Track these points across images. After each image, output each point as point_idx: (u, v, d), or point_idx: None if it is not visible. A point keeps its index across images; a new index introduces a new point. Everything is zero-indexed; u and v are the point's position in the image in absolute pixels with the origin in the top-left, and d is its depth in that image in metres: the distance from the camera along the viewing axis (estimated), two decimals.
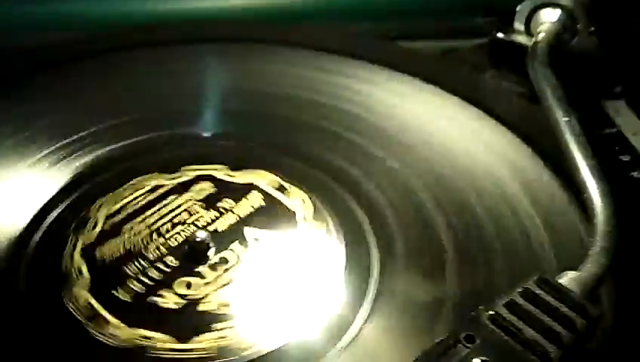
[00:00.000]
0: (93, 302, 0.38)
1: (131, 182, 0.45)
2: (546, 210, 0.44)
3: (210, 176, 0.46)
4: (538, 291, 0.35)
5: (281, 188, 0.45)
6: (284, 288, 0.40)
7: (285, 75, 0.55)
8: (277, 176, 0.46)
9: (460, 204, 0.45)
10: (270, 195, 0.45)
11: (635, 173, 0.49)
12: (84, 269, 0.40)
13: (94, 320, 0.37)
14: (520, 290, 0.34)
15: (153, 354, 0.36)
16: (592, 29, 0.55)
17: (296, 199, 0.45)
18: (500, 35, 0.57)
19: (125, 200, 0.44)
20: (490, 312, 0.33)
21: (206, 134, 0.52)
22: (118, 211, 0.43)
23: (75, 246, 0.41)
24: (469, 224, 0.43)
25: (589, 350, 0.34)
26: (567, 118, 0.45)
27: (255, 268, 0.41)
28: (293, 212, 0.44)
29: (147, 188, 0.45)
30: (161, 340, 0.36)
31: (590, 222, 0.40)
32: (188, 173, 0.46)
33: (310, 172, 0.47)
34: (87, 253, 0.41)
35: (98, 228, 0.42)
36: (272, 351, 0.36)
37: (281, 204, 0.45)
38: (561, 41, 0.54)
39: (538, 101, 0.49)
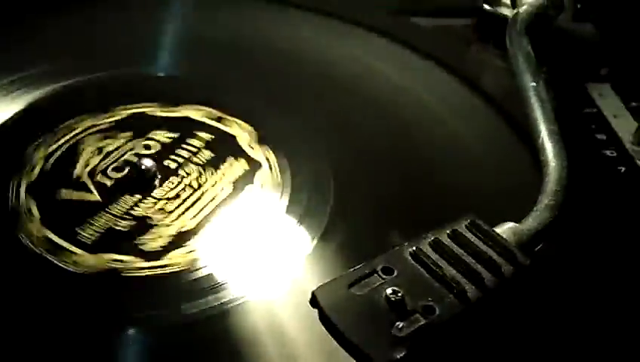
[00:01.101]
0: (52, 236, 0.37)
1: (65, 124, 0.44)
2: (503, 166, 0.43)
3: (144, 113, 0.46)
4: (467, 234, 0.33)
5: (219, 120, 0.46)
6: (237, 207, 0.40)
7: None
8: (214, 109, 0.46)
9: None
10: (208, 125, 0.45)
11: (607, 152, 0.48)
12: (34, 208, 0.39)
13: (58, 252, 0.36)
14: (448, 231, 0.33)
15: (126, 274, 0.35)
16: (579, 6, 0.54)
17: (236, 128, 0.45)
18: (486, 6, 0.56)
19: (62, 140, 0.43)
20: (413, 248, 0.32)
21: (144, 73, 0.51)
22: (54, 151, 0.42)
23: (18, 186, 0.40)
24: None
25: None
26: (534, 83, 0.44)
27: (208, 190, 0.41)
28: (234, 136, 0.44)
29: (81, 128, 0.44)
30: (130, 261, 0.36)
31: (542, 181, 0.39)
32: (120, 113, 0.46)
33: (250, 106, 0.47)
34: (33, 193, 0.40)
35: (37, 169, 0.41)
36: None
37: (220, 130, 0.45)
38: (546, 15, 0.52)
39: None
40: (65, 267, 0.35)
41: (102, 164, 0.41)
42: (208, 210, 0.39)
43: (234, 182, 0.41)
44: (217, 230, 0.38)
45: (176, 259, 0.36)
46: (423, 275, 0.31)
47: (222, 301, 0.34)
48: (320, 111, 0.48)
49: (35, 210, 0.38)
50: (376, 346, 0.28)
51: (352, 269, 0.31)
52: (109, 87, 0.48)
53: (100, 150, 0.42)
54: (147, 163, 0.40)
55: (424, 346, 0.29)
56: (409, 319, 0.29)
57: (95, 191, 0.40)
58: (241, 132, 0.45)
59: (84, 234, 0.37)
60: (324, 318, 0.29)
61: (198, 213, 0.39)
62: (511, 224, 0.35)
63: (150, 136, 0.44)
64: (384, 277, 0.31)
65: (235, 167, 0.42)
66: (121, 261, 0.36)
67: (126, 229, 0.38)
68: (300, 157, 0.43)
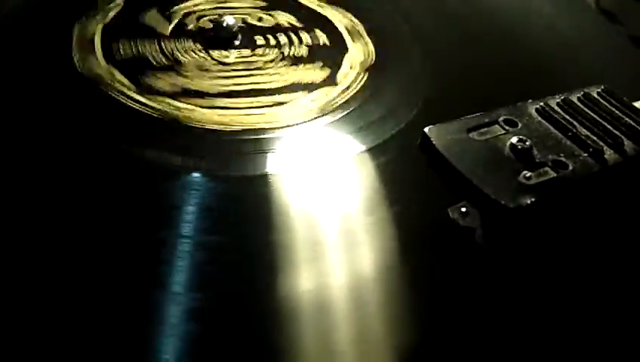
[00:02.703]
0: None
1: None
2: None
3: None
4: (601, 100, 0.29)
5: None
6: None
7: None
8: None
9: None
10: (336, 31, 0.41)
11: None
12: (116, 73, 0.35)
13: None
14: (579, 95, 0.29)
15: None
16: None
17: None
18: None
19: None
20: (540, 104, 0.28)
21: None
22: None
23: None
24: None
25: None
26: None
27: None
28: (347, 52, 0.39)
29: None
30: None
31: None
32: None
33: None
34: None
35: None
36: None
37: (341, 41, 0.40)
38: None
39: None
40: None
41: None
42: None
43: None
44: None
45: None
46: (551, 131, 0.27)
47: None
48: None
49: None
50: (502, 191, 0.24)
51: (469, 116, 0.27)
52: None
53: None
54: (230, 21, 0.36)
55: (553, 200, 0.24)
56: (538, 170, 0.25)
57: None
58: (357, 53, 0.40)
59: None
60: (436, 161, 0.25)
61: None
62: None
63: (273, 14, 0.40)
64: (507, 128, 0.27)
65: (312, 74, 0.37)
66: None
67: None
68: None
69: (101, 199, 0.28)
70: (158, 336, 0.24)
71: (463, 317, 0.25)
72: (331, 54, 0.38)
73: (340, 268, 0.27)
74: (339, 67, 0.37)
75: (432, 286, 0.26)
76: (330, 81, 0.36)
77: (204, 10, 0.39)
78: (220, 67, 0.35)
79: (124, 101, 0.32)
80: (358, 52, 0.38)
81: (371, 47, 0.39)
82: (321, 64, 0.37)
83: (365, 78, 0.36)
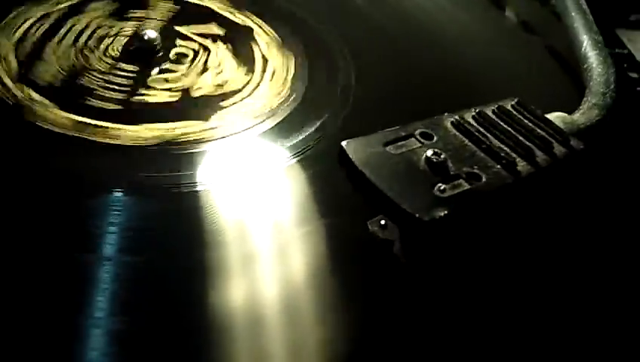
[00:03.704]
0: (73, 116, 0.32)
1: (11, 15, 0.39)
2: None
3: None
4: (514, 112, 0.30)
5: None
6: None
7: None
8: None
9: None
10: None
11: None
12: (34, 94, 0.34)
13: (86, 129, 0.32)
14: (493, 107, 0.30)
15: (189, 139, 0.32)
16: None
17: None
18: None
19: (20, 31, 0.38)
20: (455, 117, 0.28)
21: None
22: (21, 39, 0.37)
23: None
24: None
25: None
26: None
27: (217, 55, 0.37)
28: (209, 7, 0.41)
29: (35, 18, 0.38)
30: (188, 125, 0.33)
31: (586, 87, 0.35)
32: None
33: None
34: (23, 80, 0.34)
35: (12, 59, 0.36)
36: None
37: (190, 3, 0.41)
38: None
39: None
40: None
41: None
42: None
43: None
44: None
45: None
46: (465, 144, 0.27)
47: None
48: None
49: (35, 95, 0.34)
50: (417, 204, 0.24)
51: (386, 130, 0.27)
52: None
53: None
54: (151, 34, 0.36)
55: (467, 212, 0.25)
56: (452, 183, 0.25)
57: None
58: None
59: None
60: (354, 175, 0.25)
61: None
62: (559, 113, 0.31)
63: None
64: (423, 141, 0.27)
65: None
66: None
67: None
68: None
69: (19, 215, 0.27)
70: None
71: (392, 325, 0.26)
72: (248, 59, 0.38)
73: (272, 280, 0.27)
74: (263, 72, 0.37)
75: (361, 298, 0.27)
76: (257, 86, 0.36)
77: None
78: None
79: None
80: (279, 61, 0.38)
81: (292, 56, 0.39)
82: (244, 69, 0.37)
83: (289, 86, 0.36)
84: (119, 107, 0.33)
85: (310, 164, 0.32)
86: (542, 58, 0.43)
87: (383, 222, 0.27)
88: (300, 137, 0.33)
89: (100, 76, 0.35)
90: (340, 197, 0.29)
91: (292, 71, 0.38)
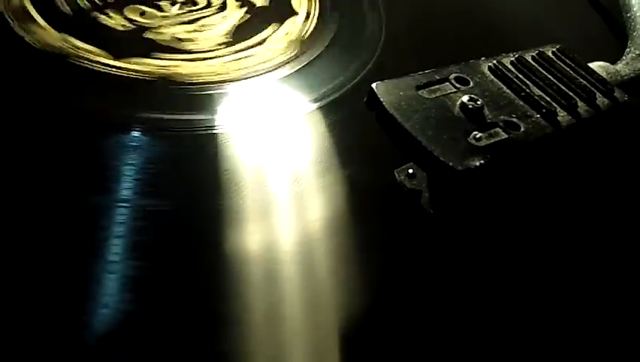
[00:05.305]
0: (29, 6, 0.32)
1: None
2: None
3: None
4: (555, 59, 0.28)
5: None
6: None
7: None
8: None
9: None
10: None
11: None
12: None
13: (23, 21, 0.31)
14: (533, 53, 0.28)
15: (80, 63, 0.30)
16: None
17: None
18: None
19: None
20: (493, 62, 0.27)
21: None
22: None
23: None
24: None
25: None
26: None
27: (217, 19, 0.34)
28: None
29: None
30: (94, 52, 0.30)
31: (629, 36, 0.33)
32: None
33: None
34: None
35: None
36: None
37: None
38: None
39: None
40: None
41: None
42: None
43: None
44: None
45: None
46: (503, 91, 0.26)
47: None
48: None
49: None
50: (450, 152, 0.22)
51: (419, 73, 0.25)
52: None
53: None
54: None
55: (503, 163, 0.23)
56: (488, 131, 0.24)
57: None
58: None
59: None
60: (383, 118, 0.24)
61: None
62: (602, 63, 0.29)
63: None
64: (458, 86, 0.25)
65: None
66: None
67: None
68: None
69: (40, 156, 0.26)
70: (93, 308, 0.22)
71: (412, 281, 0.24)
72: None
73: (290, 230, 0.26)
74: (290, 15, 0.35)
75: (383, 250, 0.25)
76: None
77: None
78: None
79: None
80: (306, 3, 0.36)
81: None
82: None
83: (313, 26, 0.35)
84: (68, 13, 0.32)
85: (334, 110, 0.30)
86: (581, 4, 0.40)
87: (411, 170, 0.26)
88: (326, 84, 0.31)
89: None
90: (363, 147, 0.28)
91: (317, 14, 0.36)
